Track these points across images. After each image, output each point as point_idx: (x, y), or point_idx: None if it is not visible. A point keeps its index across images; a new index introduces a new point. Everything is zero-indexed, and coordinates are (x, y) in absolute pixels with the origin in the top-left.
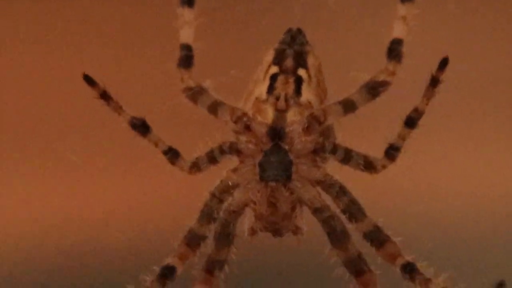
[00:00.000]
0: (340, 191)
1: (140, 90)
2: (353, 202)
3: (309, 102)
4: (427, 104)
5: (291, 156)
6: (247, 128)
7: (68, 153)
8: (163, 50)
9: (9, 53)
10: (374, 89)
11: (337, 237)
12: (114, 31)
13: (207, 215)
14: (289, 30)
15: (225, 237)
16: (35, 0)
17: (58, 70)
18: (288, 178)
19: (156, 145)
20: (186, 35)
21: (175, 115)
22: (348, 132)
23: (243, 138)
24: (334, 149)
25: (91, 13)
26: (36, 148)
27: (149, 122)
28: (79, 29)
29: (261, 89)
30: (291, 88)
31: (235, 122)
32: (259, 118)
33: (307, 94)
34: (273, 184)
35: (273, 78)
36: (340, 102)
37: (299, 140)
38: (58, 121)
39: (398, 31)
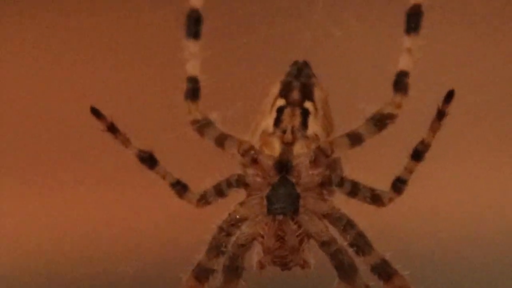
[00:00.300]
0: (347, 224)
1: (148, 122)
2: (361, 235)
3: (316, 135)
4: (433, 137)
5: (298, 189)
6: (254, 161)
7: (60, 170)
8: (171, 81)
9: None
10: (380, 121)
11: (345, 271)
12: (121, 60)
13: (215, 249)
14: (295, 63)
15: (234, 271)
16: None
17: (52, 90)
18: (296, 211)
19: (164, 177)
20: (192, 68)
21: (183, 148)
22: (355, 165)
23: (250, 171)
24: (341, 182)
25: (98, 38)
26: (28, 164)
27: (156, 154)
28: (86, 56)
29: (268, 122)
30: (297, 120)
31: (242, 155)
32: (266, 151)
33: (313, 126)
34: (280, 217)
35: (280, 110)
36: (347, 135)
37: (306, 173)
38: (50, 136)
39: (403, 63)
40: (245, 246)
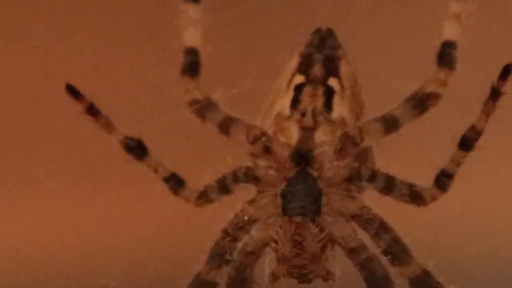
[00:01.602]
0: (380, 228)
1: (136, 103)
2: (397, 241)
3: (342, 119)
4: (486, 121)
5: (321, 185)
6: (267, 150)
7: (45, 178)
8: (164, 54)
9: None
10: (421, 102)
11: (377, 284)
12: (104, 30)
13: (218, 257)
14: (318, 31)
15: (240, 284)
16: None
17: (35, 78)
18: (317, 211)
19: (156, 170)
20: (191, 37)
21: (179, 134)
22: (390, 156)
23: (261, 162)
24: (373, 177)
25: (77, 8)
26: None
27: (146, 142)
28: (60, 29)
29: (284, 103)
30: (320, 101)
31: (252, 143)
32: (282, 138)
33: (339, 108)
34: (298, 219)
35: (298, 89)
36: (379, 119)
37: (330, 165)
38: (33, 140)
39: (450, 32)
40: (255, 254)
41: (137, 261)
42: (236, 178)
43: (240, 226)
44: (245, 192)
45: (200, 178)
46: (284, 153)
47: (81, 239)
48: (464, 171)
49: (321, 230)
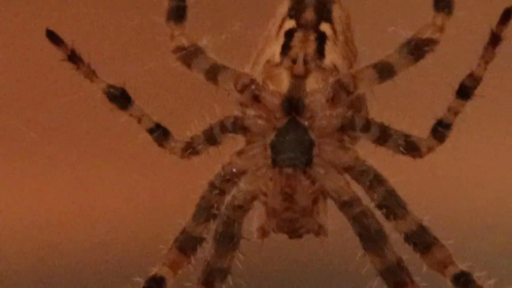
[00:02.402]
0: (374, 180)
1: (119, 50)
2: (392, 194)
3: (335, 66)
4: (485, 69)
5: (312, 135)
6: (256, 98)
7: (29, 132)
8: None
9: None
10: (417, 48)
11: (371, 239)
12: None
13: (205, 211)
14: None
15: (228, 240)
16: None
17: (16, 27)
18: (308, 162)
19: (140, 121)
20: None
21: (163, 83)
22: (384, 105)
23: (250, 111)
24: (367, 126)
25: None
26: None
27: (130, 91)
28: None
29: (274, 49)
30: (311, 47)
31: (241, 92)
32: (271, 86)
33: (332, 55)
34: (289, 170)
35: (289, 35)
36: (374, 66)
37: (322, 114)
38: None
39: None
40: (243, 208)
41: (121, 218)
42: (223, 128)
43: (227, 179)
44: (232, 143)
45: (186, 128)
46: (274, 101)
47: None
48: (459, 122)
49: (313, 182)
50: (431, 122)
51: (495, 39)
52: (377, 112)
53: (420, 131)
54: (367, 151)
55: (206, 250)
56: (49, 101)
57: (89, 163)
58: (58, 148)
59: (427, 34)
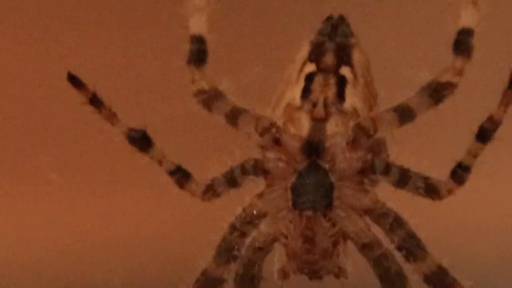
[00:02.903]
0: (394, 223)
1: (140, 93)
2: (411, 236)
3: (355, 109)
4: (505, 112)
5: (332, 178)
6: (277, 142)
7: (48, 170)
8: (169, 43)
9: None
10: (437, 92)
11: (392, 281)
12: (108, 18)
13: (225, 253)
14: (329, 18)
15: (249, 281)
16: None
17: (37, 67)
18: (329, 205)
19: (160, 163)
20: (197, 24)
21: (184, 126)
22: (404, 148)
23: (271, 154)
24: (387, 169)
25: None
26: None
27: (151, 134)
28: (62, 20)
29: (294, 93)
30: (331, 91)
31: (261, 135)
32: (292, 130)
33: (352, 99)
34: (309, 213)
35: (309, 78)
36: (394, 109)
37: (342, 157)
38: (35, 132)
39: (467, 18)
40: (263, 250)
41: (141, 258)
42: (244, 171)
43: (248, 221)
44: (253, 186)
45: (206, 171)
46: (294, 144)
47: (82, 234)
48: (480, 164)
49: (333, 225)
50: (451, 165)
51: None
52: (397, 155)
53: (440, 174)
54: (386, 193)
55: None
56: (71, 144)
57: (110, 195)
58: (80, 191)
59: (446, 78)
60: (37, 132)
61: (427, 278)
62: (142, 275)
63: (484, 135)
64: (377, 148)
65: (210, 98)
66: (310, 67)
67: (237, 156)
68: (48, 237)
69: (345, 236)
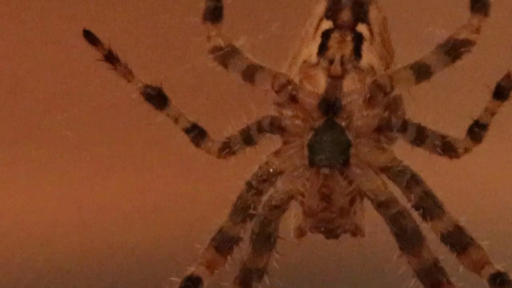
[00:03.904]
0: (411, 180)
1: (156, 51)
2: (428, 194)
3: (372, 67)
4: None
5: (349, 135)
6: (293, 99)
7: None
8: (184, 0)
9: None
10: (454, 49)
11: (408, 240)
12: None
13: (242, 211)
14: None
15: (265, 240)
16: None
17: (52, 23)
18: (346, 163)
19: (176, 121)
20: None
21: (200, 83)
22: (421, 105)
23: (287, 112)
24: (404, 127)
25: None
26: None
27: (167, 91)
28: None
29: (311, 50)
30: (348, 48)
31: (278, 92)
32: (308, 87)
33: (368, 56)
34: (326, 170)
35: (326, 35)
36: (411, 67)
37: (359, 115)
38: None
39: None
40: (280, 208)
41: (159, 217)
42: (260, 129)
43: (264, 179)
44: (269, 144)
45: (222, 128)
46: (311, 102)
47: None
48: (496, 123)
49: (350, 182)
50: (468, 123)
51: None
52: (414, 112)
53: (457, 131)
54: (404, 152)
55: (243, 250)
56: (87, 101)
57: (126, 162)
58: (97, 148)
59: (463, 35)
60: (53, 91)
61: (444, 237)
62: (160, 233)
63: (501, 92)
64: (394, 105)
65: (226, 55)
66: (327, 24)
67: (253, 113)
68: (64, 194)
69: (361, 194)
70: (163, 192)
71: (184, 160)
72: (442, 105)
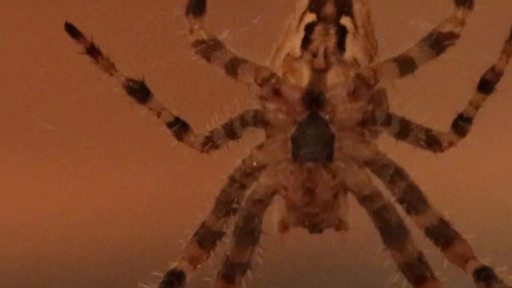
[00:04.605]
0: (395, 174)
1: (138, 44)
2: (413, 188)
3: (355, 60)
4: (507, 62)
5: (333, 129)
6: (276, 92)
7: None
8: None
9: None
10: (438, 42)
11: (392, 234)
12: None
13: (224, 206)
14: None
15: (248, 234)
16: None
17: (35, 18)
18: (329, 157)
19: (159, 115)
20: None
21: (183, 77)
22: (405, 99)
23: (271, 105)
24: (387, 120)
25: None
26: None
27: (149, 85)
28: None
29: (294, 43)
30: (332, 41)
31: (261, 85)
32: (292, 80)
33: (352, 49)
34: (310, 164)
35: (309, 28)
36: (395, 60)
37: (343, 108)
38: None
39: None
40: (263, 202)
41: (141, 212)
42: (243, 122)
43: (248, 173)
44: (253, 137)
45: (205, 122)
46: (294, 95)
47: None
48: (481, 116)
49: (334, 176)
50: (452, 116)
51: None
52: (398, 106)
53: (441, 125)
54: (387, 146)
55: (226, 245)
56: (68, 95)
57: (107, 157)
58: (78, 142)
59: (448, 28)
60: (34, 84)
61: (428, 231)
62: (142, 229)
63: (486, 85)
64: (378, 99)
65: (209, 48)
66: (310, 17)
67: (236, 107)
68: (46, 187)
69: (345, 188)
70: (146, 187)
71: (167, 155)
72: (426, 98)
